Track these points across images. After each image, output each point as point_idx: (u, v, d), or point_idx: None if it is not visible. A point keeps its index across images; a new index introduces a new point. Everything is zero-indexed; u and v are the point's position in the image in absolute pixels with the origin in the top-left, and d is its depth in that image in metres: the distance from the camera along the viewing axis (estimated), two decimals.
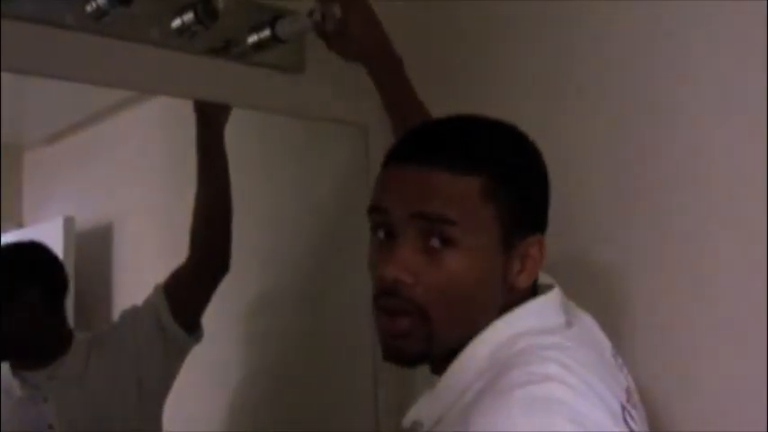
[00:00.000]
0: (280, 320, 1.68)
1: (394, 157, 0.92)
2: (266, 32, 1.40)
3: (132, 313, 1.49)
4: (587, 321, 0.99)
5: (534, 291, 0.95)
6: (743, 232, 1.15)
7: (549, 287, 0.95)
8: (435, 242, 0.87)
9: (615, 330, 1.17)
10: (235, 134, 1.54)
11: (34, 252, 1.43)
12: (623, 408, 0.85)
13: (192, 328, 1.49)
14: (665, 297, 1.23)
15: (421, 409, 0.93)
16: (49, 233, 1.46)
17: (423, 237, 0.87)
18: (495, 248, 0.88)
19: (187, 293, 1.50)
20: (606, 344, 0.99)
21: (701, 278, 1.19)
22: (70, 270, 1.47)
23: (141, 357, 1.46)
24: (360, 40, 1.29)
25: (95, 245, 1.55)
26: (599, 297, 1.25)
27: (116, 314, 1.52)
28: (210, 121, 1.51)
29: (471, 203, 0.87)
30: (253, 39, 1.41)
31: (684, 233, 1.21)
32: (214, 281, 1.51)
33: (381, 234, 0.92)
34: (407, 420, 0.94)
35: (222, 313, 1.60)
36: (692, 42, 1.21)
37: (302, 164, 1.72)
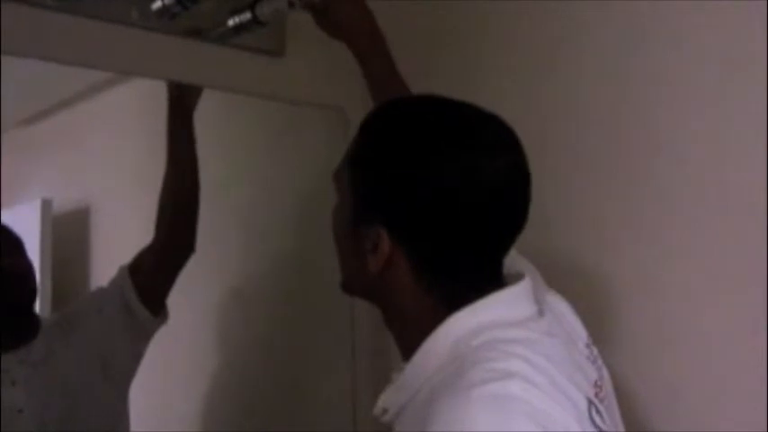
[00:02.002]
0: (257, 308, 1.68)
1: None
2: (246, 15, 1.40)
3: (98, 294, 1.49)
4: (562, 309, 0.99)
5: (484, 281, 0.92)
6: (740, 223, 1.14)
7: (518, 277, 0.93)
8: None
9: (601, 327, 1.18)
10: (213, 117, 1.54)
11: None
12: (590, 403, 0.85)
13: (157, 310, 1.49)
14: (659, 292, 1.23)
15: (388, 397, 0.93)
16: (27, 215, 1.45)
17: None
18: (349, 213, 0.95)
19: (152, 274, 1.49)
20: (581, 333, 0.99)
21: (698, 272, 1.19)
22: (47, 252, 1.47)
23: (106, 338, 1.46)
24: (343, 20, 1.30)
25: (73, 228, 1.55)
26: (587, 292, 1.26)
27: (86, 294, 1.52)
28: (181, 102, 1.51)
29: (342, 165, 0.96)
30: (233, 21, 1.41)
31: (678, 227, 1.21)
32: (179, 261, 1.51)
33: None
34: (377, 408, 0.95)
35: (198, 301, 1.60)
36: (689, 37, 1.21)
37: (281, 148, 1.72)
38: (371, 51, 1.31)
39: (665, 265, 1.21)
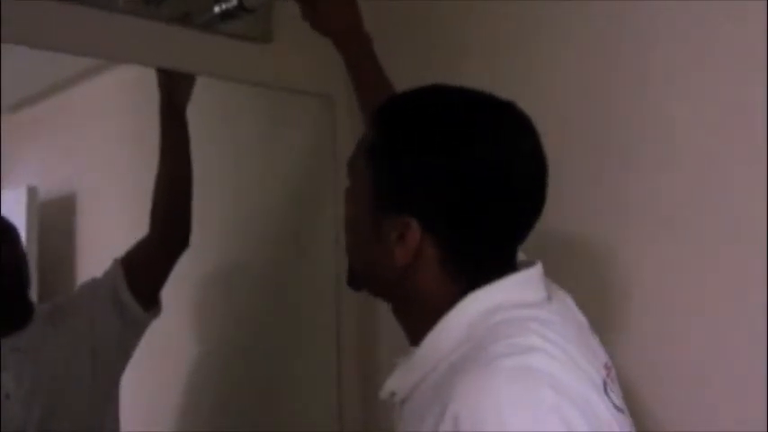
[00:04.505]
0: (241, 293, 1.68)
1: None
2: (233, 1, 1.40)
3: (90, 286, 1.48)
4: (566, 299, 1.00)
5: (502, 267, 0.94)
6: (740, 207, 1.14)
7: (529, 263, 0.95)
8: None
9: (603, 313, 1.19)
10: (200, 104, 1.53)
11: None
12: (604, 382, 0.86)
13: (150, 304, 1.49)
14: (658, 277, 1.22)
15: (396, 380, 0.93)
16: (13, 202, 1.45)
17: None
18: (368, 204, 0.93)
19: (145, 268, 1.49)
20: (584, 322, 1.00)
21: (697, 258, 1.18)
22: (33, 240, 1.46)
23: (96, 330, 1.45)
24: (331, 18, 1.32)
25: (58, 215, 1.54)
26: (589, 278, 1.27)
27: (79, 285, 1.51)
28: (174, 94, 1.50)
29: (359, 154, 0.95)
30: (219, 7, 1.41)
31: (678, 210, 1.21)
32: (173, 256, 1.51)
33: None
34: (385, 391, 0.95)
35: (181, 286, 1.59)
36: (693, 30, 1.20)
37: (268, 135, 1.72)
38: (358, 52, 1.32)
39: (674, 252, 1.20)
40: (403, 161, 0.90)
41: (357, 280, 1.01)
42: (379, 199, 0.92)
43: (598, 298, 1.25)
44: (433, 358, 0.88)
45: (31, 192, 1.48)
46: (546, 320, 0.87)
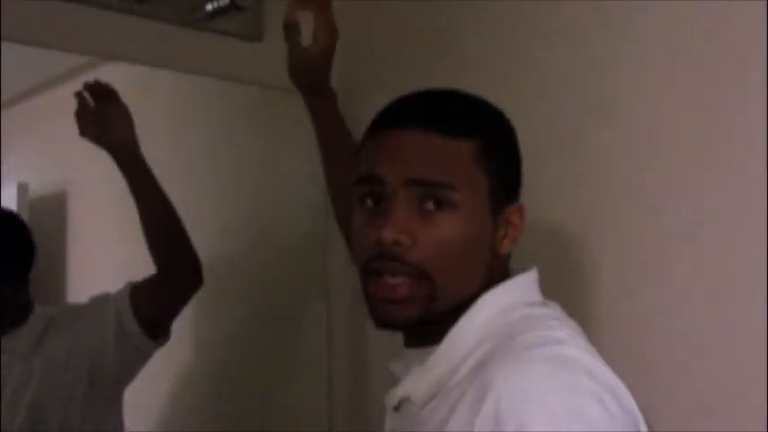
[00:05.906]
0: (232, 294, 1.68)
1: (384, 123, 0.94)
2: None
3: (100, 302, 1.47)
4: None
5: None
6: (738, 204, 1.13)
7: (523, 268, 0.97)
8: (430, 205, 0.89)
9: (597, 310, 1.21)
10: (189, 102, 1.54)
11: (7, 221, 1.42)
12: None
13: (158, 334, 1.48)
14: (655, 276, 1.22)
15: (411, 385, 0.92)
16: (2, 199, 1.44)
17: (418, 200, 0.90)
18: (485, 212, 0.92)
19: (152, 305, 1.47)
20: None
21: (696, 257, 1.18)
22: None
23: (96, 349, 1.44)
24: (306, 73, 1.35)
25: (49, 212, 1.54)
26: (579, 275, 1.28)
27: (70, 283, 1.51)
28: (121, 150, 1.47)
29: (466, 167, 0.90)
30: (211, 5, 1.41)
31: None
32: (184, 295, 1.51)
33: (370, 202, 0.93)
34: (393, 398, 0.94)
35: None
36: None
37: (259, 133, 1.72)
38: (325, 108, 1.36)
39: (672, 252, 1.20)
40: (510, 153, 0.97)
41: (443, 305, 0.91)
42: (496, 196, 0.93)
43: (590, 294, 1.26)
44: (454, 358, 0.89)
45: (22, 188, 1.47)
46: (559, 318, 0.91)
